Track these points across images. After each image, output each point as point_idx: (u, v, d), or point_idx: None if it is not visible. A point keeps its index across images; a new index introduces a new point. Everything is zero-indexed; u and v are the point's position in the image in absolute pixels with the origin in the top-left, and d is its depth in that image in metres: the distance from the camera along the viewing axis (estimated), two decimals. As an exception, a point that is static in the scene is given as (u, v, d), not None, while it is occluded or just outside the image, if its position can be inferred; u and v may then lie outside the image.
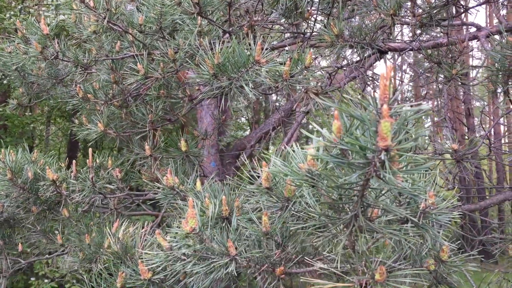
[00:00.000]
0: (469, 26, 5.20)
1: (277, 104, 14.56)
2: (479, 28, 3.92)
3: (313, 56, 2.77)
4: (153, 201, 2.90)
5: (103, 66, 3.29)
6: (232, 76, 2.15)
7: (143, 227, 2.62)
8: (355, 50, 3.08)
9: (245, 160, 1.85)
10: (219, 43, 2.29)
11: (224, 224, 1.90)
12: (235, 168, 7.64)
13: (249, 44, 2.25)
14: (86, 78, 3.50)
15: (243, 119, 18.78)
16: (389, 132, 1.09)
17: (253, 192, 1.90)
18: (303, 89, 2.63)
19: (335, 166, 1.40)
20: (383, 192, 1.32)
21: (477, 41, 3.90)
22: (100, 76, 3.20)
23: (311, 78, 2.44)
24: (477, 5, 3.02)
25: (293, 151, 1.44)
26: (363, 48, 3.00)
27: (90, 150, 2.90)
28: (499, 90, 3.01)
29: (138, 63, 2.84)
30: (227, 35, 2.98)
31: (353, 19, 3.28)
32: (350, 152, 1.23)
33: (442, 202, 1.68)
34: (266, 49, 2.26)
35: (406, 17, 2.89)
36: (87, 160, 2.94)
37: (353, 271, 1.52)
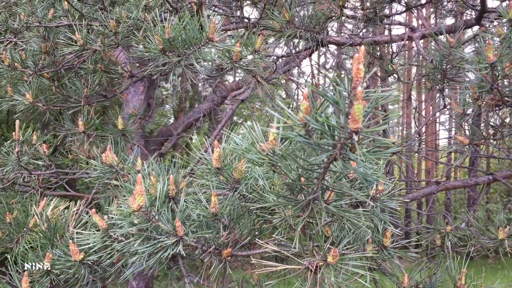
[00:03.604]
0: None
1: (204, 93, 14.47)
2: (413, 29, 4.11)
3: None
4: (72, 182, 2.72)
5: (34, 34, 3.04)
6: (184, 52, 2.07)
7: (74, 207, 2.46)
8: (298, 40, 3.10)
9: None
10: (169, 18, 2.20)
11: (170, 204, 1.83)
12: (159, 155, 7.49)
13: (201, 26, 2.17)
14: (14, 47, 3.22)
15: (167, 106, 18.39)
16: (361, 114, 1.10)
17: (201, 173, 1.85)
18: (250, 74, 2.60)
19: (297, 148, 1.39)
20: (343, 174, 1.33)
21: (411, 41, 4.09)
22: (32, 44, 2.95)
23: (260, 63, 2.42)
24: (419, 5, 3.15)
25: (253, 130, 1.41)
26: (307, 40, 3.02)
27: (17, 122, 2.68)
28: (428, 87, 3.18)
29: (76, 33, 2.66)
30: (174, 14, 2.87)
31: (300, 9, 3.30)
32: (315, 133, 1.22)
33: (388, 190, 1.72)
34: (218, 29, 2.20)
35: (354, 9, 2.95)
36: (13, 133, 2.71)
37: (304, 254, 1.52)
